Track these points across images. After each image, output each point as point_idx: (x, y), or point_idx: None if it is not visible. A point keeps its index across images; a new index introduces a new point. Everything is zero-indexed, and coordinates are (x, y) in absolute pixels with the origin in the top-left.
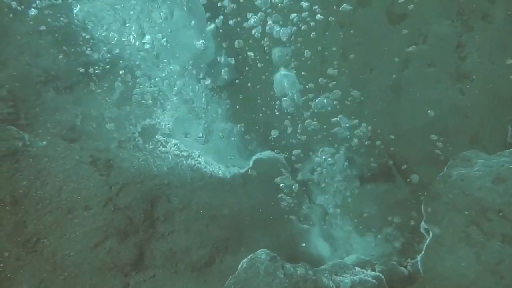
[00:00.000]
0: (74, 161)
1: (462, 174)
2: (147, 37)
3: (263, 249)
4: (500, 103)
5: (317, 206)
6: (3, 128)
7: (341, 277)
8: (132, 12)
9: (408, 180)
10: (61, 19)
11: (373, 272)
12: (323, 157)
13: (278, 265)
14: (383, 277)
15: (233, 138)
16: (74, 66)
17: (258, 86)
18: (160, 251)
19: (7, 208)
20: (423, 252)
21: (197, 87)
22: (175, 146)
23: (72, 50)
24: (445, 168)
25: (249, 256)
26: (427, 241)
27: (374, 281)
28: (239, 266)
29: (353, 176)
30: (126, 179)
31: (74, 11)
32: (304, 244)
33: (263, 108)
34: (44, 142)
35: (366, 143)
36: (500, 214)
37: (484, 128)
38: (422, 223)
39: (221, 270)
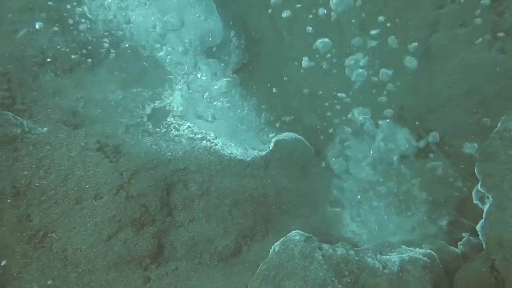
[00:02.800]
0: (80, 147)
1: None
2: (150, 14)
3: (297, 230)
4: None
5: (348, 187)
6: None
7: (387, 256)
8: None
9: (447, 153)
10: None
11: (423, 250)
12: (353, 134)
13: (315, 246)
14: (435, 255)
15: (249, 119)
16: (73, 46)
17: (270, 67)
18: (180, 241)
19: (8, 201)
20: (483, 220)
21: (206, 67)
22: (189, 129)
23: (69, 28)
24: (499, 123)
25: (282, 239)
26: (487, 207)
27: (426, 259)
28: (271, 250)
29: (387, 154)
30: (137, 165)
31: None
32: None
33: (279, 89)
34: (45, 129)
35: (399, 118)
36: None
37: None
38: (477, 189)
39: (249, 259)
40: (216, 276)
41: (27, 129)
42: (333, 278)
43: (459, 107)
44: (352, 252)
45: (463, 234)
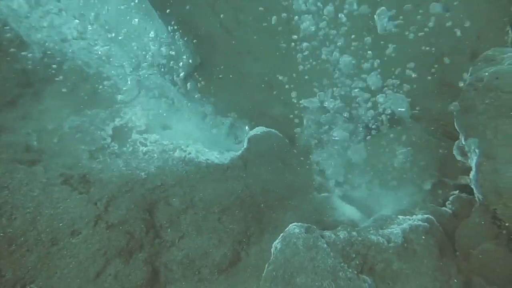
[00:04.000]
0: (42, 185)
1: (494, 72)
2: (88, 28)
3: (294, 223)
4: (493, 6)
5: (329, 170)
6: None
7: (388, 230)
8: (59, 2)
9: (416, 117)
10: None
11: (420, 216)
12: (321, 115)
13: (317, 235)
14: (433, 218)
15: (216, 121)
16: (10, 76)
17: (225, 64)
18: (175, 261)
19: None
20: (474, 173)
21: (160, 75)
22: (157, 142)
23: (2, 58)
24: (468, 75)
25: (281, 235)
26: (475, 160)
27: (426, 224)
28: (272, 249)
29: (357, 131)
30: (111, 191)
31: None
32: None
33: (239, 84)
34: None
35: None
36: None
37: (482, 39)
38: (458, 145)
39: (250, 264)
40: None
41: None
42: (342, 264)
43: (417, 71)
44: (354, 233)
45: (448, 194)
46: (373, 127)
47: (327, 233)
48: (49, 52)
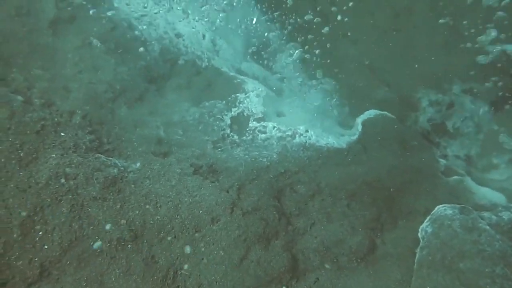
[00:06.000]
0: (177, 175)
1: None
2: (197, 23)
3: (443, 205)
4: None
5: (453, 152)
6: (92, 158)
7: None
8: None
9: None
10: (104, 23)
11: None
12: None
13: (475, 216)
14: None
15: (324, 106)
16: (136, 73)
17: (323, 50)
18: (311, 248)
19: (129, 246)
20: None
21: (263, 64)
22: (275, 129)
23: (128, 56)
24: None
25: (428, 218)
26: None
27: None
28: (421, 233)
29: (483, 106)
30: (239, 179)
31: (110, 13)
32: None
33: (339, 70)
34: (138, 164)
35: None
36: None
37: None
38: None
39: (388, 252)
40: (362, 278)
41: (122, 168)
42: None
43: None
44: None
45: None
46: (500, 99)
47: (485, 214)
48: (166, 49)
